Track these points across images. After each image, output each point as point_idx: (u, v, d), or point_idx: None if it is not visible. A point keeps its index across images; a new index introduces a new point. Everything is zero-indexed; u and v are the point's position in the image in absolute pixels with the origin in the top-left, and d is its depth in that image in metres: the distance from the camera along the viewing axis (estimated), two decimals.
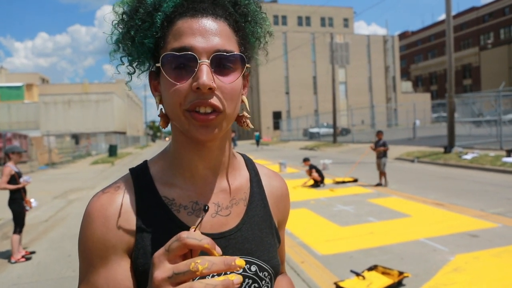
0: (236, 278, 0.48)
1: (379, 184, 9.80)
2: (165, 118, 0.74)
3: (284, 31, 48.54)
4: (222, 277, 0.48)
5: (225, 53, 0.67)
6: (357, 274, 3.97)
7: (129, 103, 61.66)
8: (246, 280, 0.73)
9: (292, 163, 15.90)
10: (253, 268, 0.74)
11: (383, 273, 4.02)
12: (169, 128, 0.78)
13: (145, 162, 0.80)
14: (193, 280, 0.48)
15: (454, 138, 14.88)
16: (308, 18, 53.69)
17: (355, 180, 10.57)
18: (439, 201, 7.61)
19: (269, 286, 0.77)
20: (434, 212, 6.75)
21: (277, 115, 48.26)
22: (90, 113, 43.40)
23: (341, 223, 6.36)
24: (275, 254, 0.80)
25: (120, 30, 0.72)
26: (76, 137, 37.21)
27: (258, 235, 0.78)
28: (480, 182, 9.64)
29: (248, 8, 0.74)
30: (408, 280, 3.90)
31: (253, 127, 0.82)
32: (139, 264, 0.69)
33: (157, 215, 0.72)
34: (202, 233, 0.70)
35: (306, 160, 10.80)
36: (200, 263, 0.47)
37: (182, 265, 0.48)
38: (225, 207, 0.76)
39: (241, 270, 0.72)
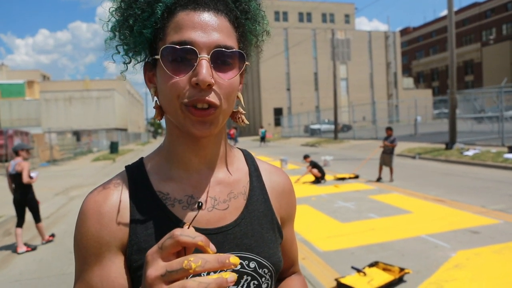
0: (230, 276, 0.47)
1: (379, 179, 9.81)
2: (160, 110, 0.73)
3: (285, 27, 48.39)
4: (216, 275, 0.47)
5: (225, 49, 0.66)
6: (358, 271, 3.97)
7: (130, 99, 61.66)
8: (245, 277, 0.72)
9: (293, 160, 15.89)
10: (252, 264, 0.73)
11: (384, 269, 4.02)
12: None
13: (141, 159, 0.79)
14: (186, 278, 0.48)
15: (456, 135, 14.85)
16: (309, 14, 53.52)
17: (356, 177, 10.57)
18: (440, 197, 7.61)
19: (270, 283, 0.76)
20: (435, 209, 6.74)
21: (278, 112, 48.22)
22: (91, 110, 43.45)
23: (342, 219, 6.36)
24: (277, 250, 0.78)
25: (117, 18, 0.71)
26: (77, 134, 37.23)
27: (258, 230, 0.76)
28: (481, 178, 9.62)
29: (249, 5, 0.74)
30: (409, 276, 3.90)
31: (248, 123, 0.82)
32: (133, 261, 0.68)
33: (151, 210, 0.71)
34: (198, 229, 0.69)
35: (306, 156, 10.82)
36: (193, 260, 0.47)
37: (175, 263, 0.47)
38: (222, 201, 0.75)
39: (239, 267, 0.71)
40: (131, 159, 21.87)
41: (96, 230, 0.68)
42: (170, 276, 0.47)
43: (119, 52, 0.73)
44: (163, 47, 0.66)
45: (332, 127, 29.70)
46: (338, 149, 21.39)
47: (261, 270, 0.74)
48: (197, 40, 0.65)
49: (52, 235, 6.00)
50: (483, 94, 21.04)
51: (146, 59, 0.74)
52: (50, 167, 19.35)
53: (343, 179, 10.41)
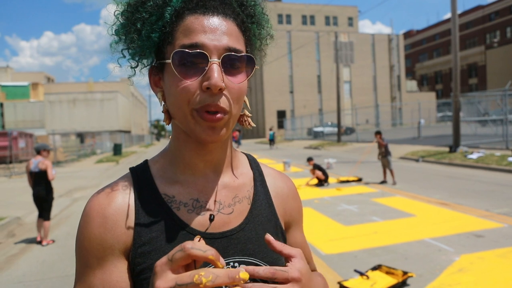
0: None
1: (383, 182, 9.79)
2: (169, 114, 0.73)
3: (289, 30, 48.45)
4: None
5: (235, 53, 0.66)
6: (361, 274, 3.96)
7: (133, 101, 61.83)
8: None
9: (296, 162, 15.87)
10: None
11: (387, 272, 4.00)
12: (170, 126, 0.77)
13: (146, 161, 0.79)
14: None
15: (460, 138, 14.79)
16: (312, 17, 53.55)
17: (360, 179, 10.54)
18: (444, 200, 7.57)
19: None
20: (439, 212, 6.71)
21: (281, 114, 48.19)
22: (95, 112, 43.60)
23: (345, 222, 6.34)
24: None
25: (123, 21, 0.71)
26: (81, 136, 37.37)
27: (262, 235, 0.76)
28: (485, 182, 9.57)
29: (254, 9, 0.74)
30: (413, 280, 3.88)
31: (254, 125, 0.81)
32: (136, 263, 0.68)
33: (156, 213, 0.71)
34: (202, 233, 0.69)
35: (310, 159, 10.81)
36: (204, 275, 0.47)
37: (186, 277, 0.47)
38: (227, 205, 0.75)
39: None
40: (134, 161, 21.92)
41: (99, 233, 0.68)
42: None
43: (124, 56, 0.73)
44: (174, 51, 0.66)
45: (335, 129, 29.67)
46: (341, 152, 21.36)
47: None
48: (208, 43, 0.65)
49: (53, 241, 6.01)
50: (487, 97, 20.95)
51: (153, 63, 0.74)
52: (54, 169, 19.39)
53: (346, 182, 10.39)
